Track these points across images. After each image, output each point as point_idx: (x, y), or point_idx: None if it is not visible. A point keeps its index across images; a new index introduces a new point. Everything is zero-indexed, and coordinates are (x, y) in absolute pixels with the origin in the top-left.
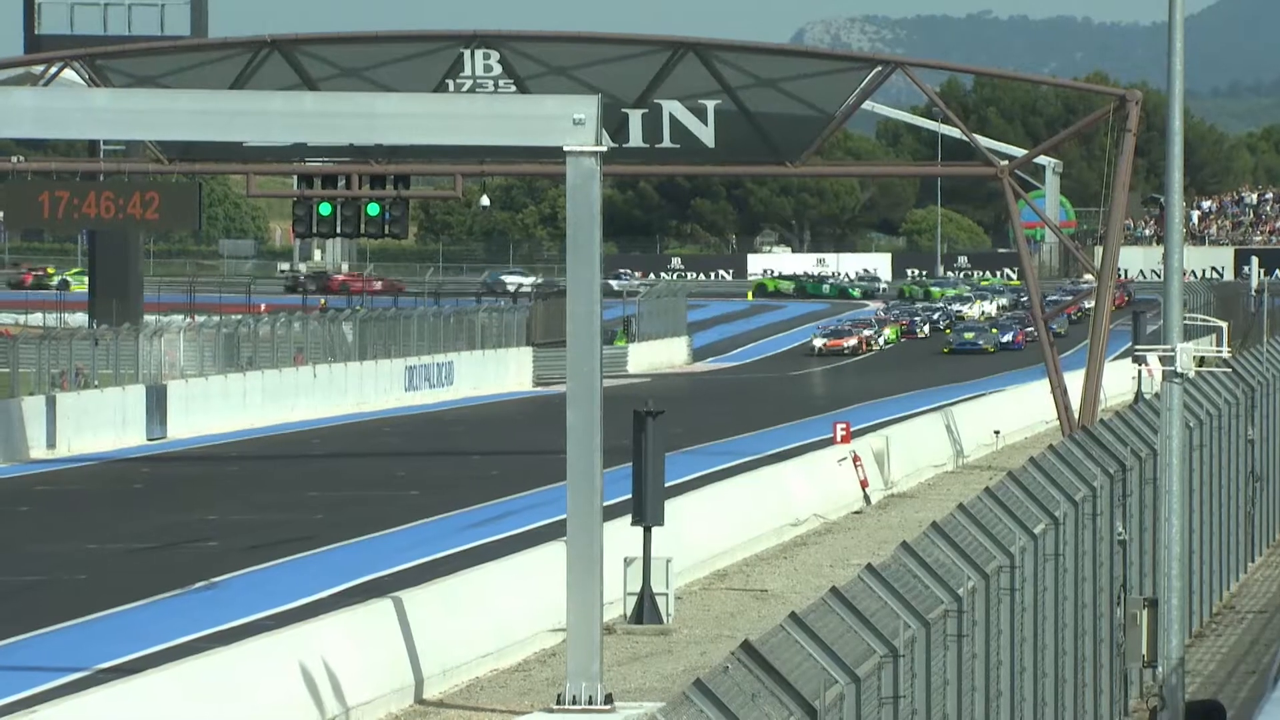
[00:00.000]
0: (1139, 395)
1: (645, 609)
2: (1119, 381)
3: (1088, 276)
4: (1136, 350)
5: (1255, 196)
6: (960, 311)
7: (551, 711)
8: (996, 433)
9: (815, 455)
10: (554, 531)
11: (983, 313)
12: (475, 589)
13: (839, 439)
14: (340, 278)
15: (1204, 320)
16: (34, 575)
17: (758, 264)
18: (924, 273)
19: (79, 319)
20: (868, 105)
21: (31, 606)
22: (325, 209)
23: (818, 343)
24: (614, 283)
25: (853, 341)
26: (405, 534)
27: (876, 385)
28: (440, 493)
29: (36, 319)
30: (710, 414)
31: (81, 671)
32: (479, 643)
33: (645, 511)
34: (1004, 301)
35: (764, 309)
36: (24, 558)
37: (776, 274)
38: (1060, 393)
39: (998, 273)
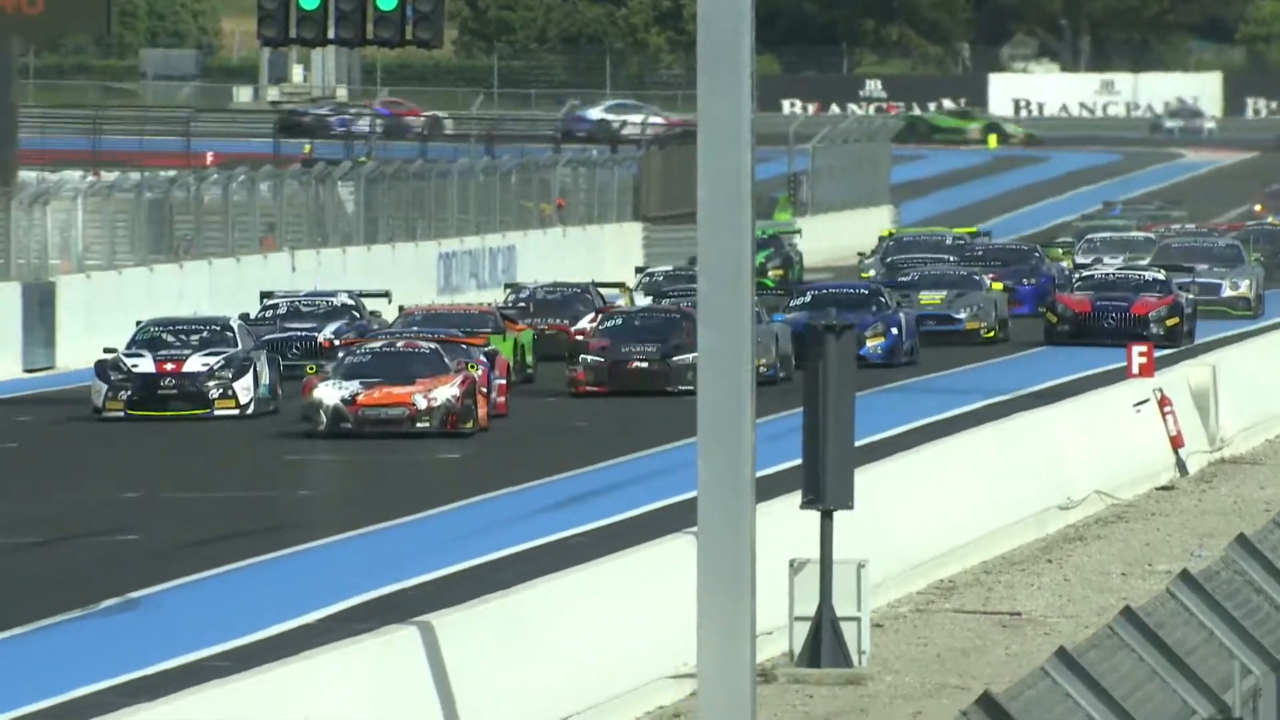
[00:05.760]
0: None
1: (824, 643)
2: None
3: None
4: None
5: None
6: None
7: None
8: None
9: (1099, 396)
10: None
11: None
12: (551, 603)
13: (1136, 369)
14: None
15: None
16: None
17: (1005, 89)
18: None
19: None
20: None
21: None
22: (309, 1)
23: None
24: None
25: (449, 392)
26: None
27: None
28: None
29: None
30: None
31: None
32: (560, 694)
33: (823, 487)
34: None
35: (1015, 163)
36: None
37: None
38: None
39: None
